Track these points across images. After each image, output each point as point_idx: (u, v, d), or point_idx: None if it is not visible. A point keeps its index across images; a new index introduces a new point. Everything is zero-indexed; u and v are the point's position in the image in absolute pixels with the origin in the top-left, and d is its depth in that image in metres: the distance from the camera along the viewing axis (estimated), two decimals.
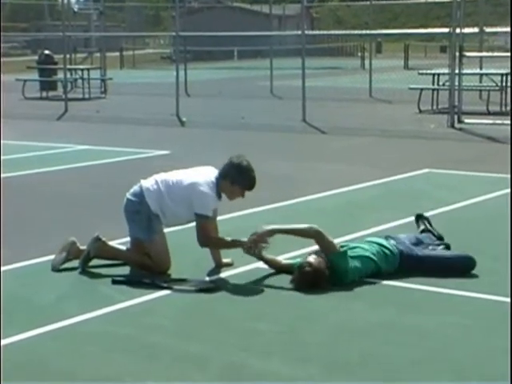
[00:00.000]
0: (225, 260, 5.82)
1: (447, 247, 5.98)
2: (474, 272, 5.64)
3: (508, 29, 22.63)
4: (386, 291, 5.32)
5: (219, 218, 6.09)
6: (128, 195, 5.90)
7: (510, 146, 10.99)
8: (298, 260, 5.63)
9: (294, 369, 4.17)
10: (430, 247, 5.87)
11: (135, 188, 5.88)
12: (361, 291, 5.31)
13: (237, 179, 5.67)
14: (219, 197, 5.75)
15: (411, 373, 4.11)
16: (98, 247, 5.80)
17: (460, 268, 5.65)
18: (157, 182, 5.80)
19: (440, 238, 6.12)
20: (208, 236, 5.66)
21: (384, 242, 5.71)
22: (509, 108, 16.10)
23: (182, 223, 5.86)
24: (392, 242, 5.75)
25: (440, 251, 5.85)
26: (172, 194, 5.72)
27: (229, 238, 5.72)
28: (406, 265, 5.63)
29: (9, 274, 5.71)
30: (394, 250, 5.64)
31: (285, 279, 5.56)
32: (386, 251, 5.61)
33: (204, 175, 5.74)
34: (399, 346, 4.44)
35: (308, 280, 5.34)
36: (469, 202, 8.04)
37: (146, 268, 5.73)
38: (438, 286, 5.37)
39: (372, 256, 5.54)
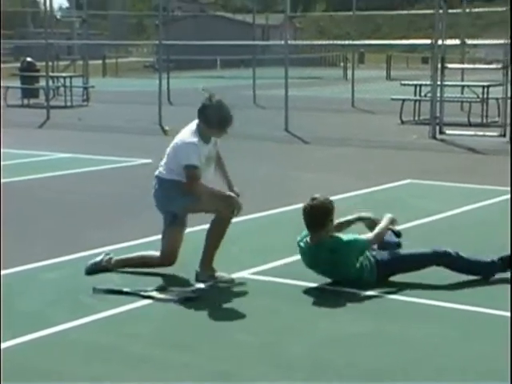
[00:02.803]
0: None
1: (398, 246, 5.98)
2: (455, 282, 5.67)
3: (487, 41, 22.92)
4: (369, 301, 5.34)
5: (197, 227, 6.13)
6: (152, 191, 5.91)
7: (510, 156, 10.92)
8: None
9: (277, 378, 4.17)
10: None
11: (154, 183, 5.91)
12: (343, 301, 5.33)
13: (210, 123, 5.70)
14: (206, 141, 5.75)
15: (394, 382, 4.13)
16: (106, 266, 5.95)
17: (428, 263, 5.65)
18: (162, 162, 5.89)
19: (398, 234, 6.10)
20: (194, 183, 5.64)
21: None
22: (490, 120, 16.24)
23: None
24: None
25: (409, 250, 5.81)
26: (169, 164, 5.79)
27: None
28: (382, 270, 5.65)
29: None
30: (371, 259, 5.66)
31: (268, 289, 5.58)
32: (366, 261, 5.63)
33: (186, 129, 5.81)
34: (382, 356, 4.45)
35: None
36: (450, 212, 8.08)
37: (149, 265, 5.88)
38: (419, 297, 5.39)
39: (360, 262, 5.58)
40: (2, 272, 5.94)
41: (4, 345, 4.55)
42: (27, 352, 4.52)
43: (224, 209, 5.68)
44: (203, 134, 5.73)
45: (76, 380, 4.15)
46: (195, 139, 5.69)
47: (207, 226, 5.82)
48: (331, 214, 5.55)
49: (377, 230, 5.72)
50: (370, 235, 5.69)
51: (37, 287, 5.67)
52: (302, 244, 5.68)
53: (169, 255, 5.86)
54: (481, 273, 5.72)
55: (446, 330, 4.85)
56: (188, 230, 6.49)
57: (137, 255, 6.05)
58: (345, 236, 5.63)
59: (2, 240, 6.91)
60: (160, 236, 5.98)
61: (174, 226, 5.86)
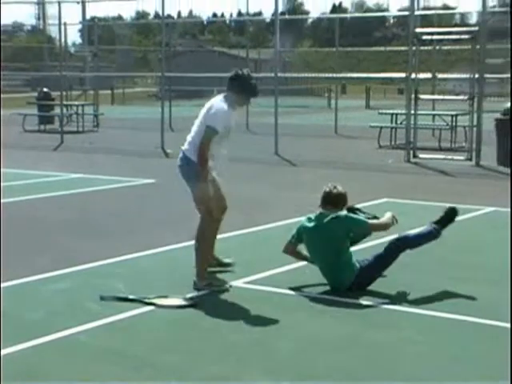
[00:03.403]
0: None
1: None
2: (430, 292, 5.65)
3: (456, 75, 23.01)
4: (352, 308, 5.32)
5: (187, 243, 6.06)
6: (178, 163, 5.89)
7: (510, 178, 10.91)
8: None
9: (265, 380, 4.14)
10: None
11: (180, 156, 5.89)
12: (334, 308, 5.30)
13: (240, 90, 5.82)
14: (233, 108, 5.85)
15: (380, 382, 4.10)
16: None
17: (395, 254, 5.76)
18: (189, 137, 5.88)
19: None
20: (205, 149, 5.65)
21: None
22: (458, 145, 16.32)
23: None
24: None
25: (376, 252, 5.84)
26: (195, 140, 5.76)
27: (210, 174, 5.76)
28: (365, 273, 5.66)
29: None
30: (356, 264, 5.68)
31: (261, 297, 5.56)
32: (354, 259, 5.69)
33: (214, 100, 5.86)
34: (363, 360, 4.42)
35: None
36: (423, 228, 8.05)
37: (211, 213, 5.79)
38: (400, 305, 5.37)
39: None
40: (10, 283, 5.86)
41: (11, 349, 4.48)
42: (34, 356, 4.45)
43: (215, 209, 5.69)
44: (232, 102, 5.81)
45: (81, 382, 4.11)
46: (228, 107, 5.76)
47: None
48: (345, 201, 5.82)
49: (378, 220, 5.94)
50: (372, 221, 5.93)
51: (42, 297, 5.59)
52: (311, 215, 5.83)
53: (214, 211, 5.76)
54: (435, 237, 6.03)
55: (420, 337, 4.81)
56: (186, 243, 6.50)
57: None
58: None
59: (9, 253, 6.88)
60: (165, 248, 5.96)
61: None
